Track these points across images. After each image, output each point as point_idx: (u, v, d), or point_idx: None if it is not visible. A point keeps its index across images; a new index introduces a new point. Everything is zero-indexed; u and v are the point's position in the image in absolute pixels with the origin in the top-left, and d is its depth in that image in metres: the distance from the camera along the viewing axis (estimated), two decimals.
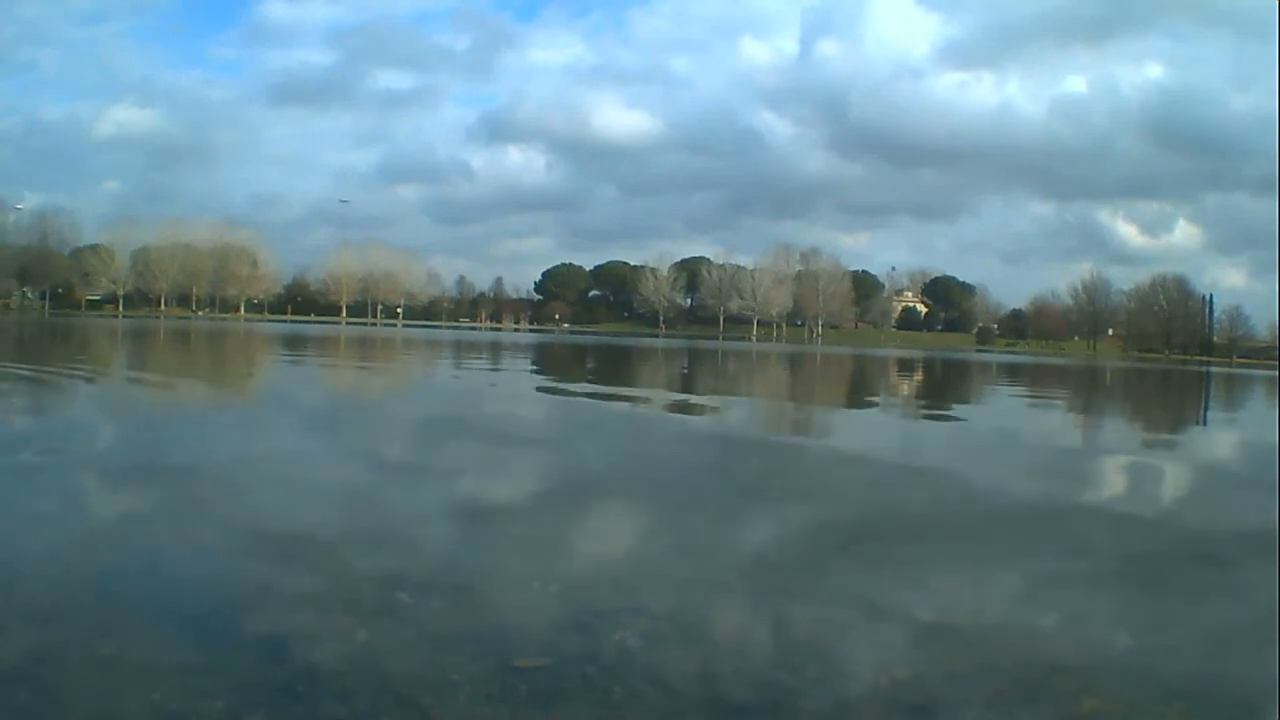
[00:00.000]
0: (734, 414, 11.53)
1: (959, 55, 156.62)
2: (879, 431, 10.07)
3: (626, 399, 13.34)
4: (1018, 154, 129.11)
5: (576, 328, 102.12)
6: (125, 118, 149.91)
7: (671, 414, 11.22)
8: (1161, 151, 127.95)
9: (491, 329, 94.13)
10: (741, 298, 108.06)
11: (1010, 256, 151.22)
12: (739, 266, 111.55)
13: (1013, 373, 30.65)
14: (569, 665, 2.49)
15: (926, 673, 2.54)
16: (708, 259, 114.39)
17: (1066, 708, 2.38)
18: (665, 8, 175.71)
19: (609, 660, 2.54)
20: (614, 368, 22.78)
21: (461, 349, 30.31)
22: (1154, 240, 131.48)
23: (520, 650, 2.57)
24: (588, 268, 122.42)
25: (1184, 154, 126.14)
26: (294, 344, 28.73)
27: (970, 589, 3.49)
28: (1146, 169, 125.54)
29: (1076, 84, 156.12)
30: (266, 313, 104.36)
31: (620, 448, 7.61)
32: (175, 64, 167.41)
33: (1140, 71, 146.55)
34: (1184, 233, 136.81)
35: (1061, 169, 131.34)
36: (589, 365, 23.24)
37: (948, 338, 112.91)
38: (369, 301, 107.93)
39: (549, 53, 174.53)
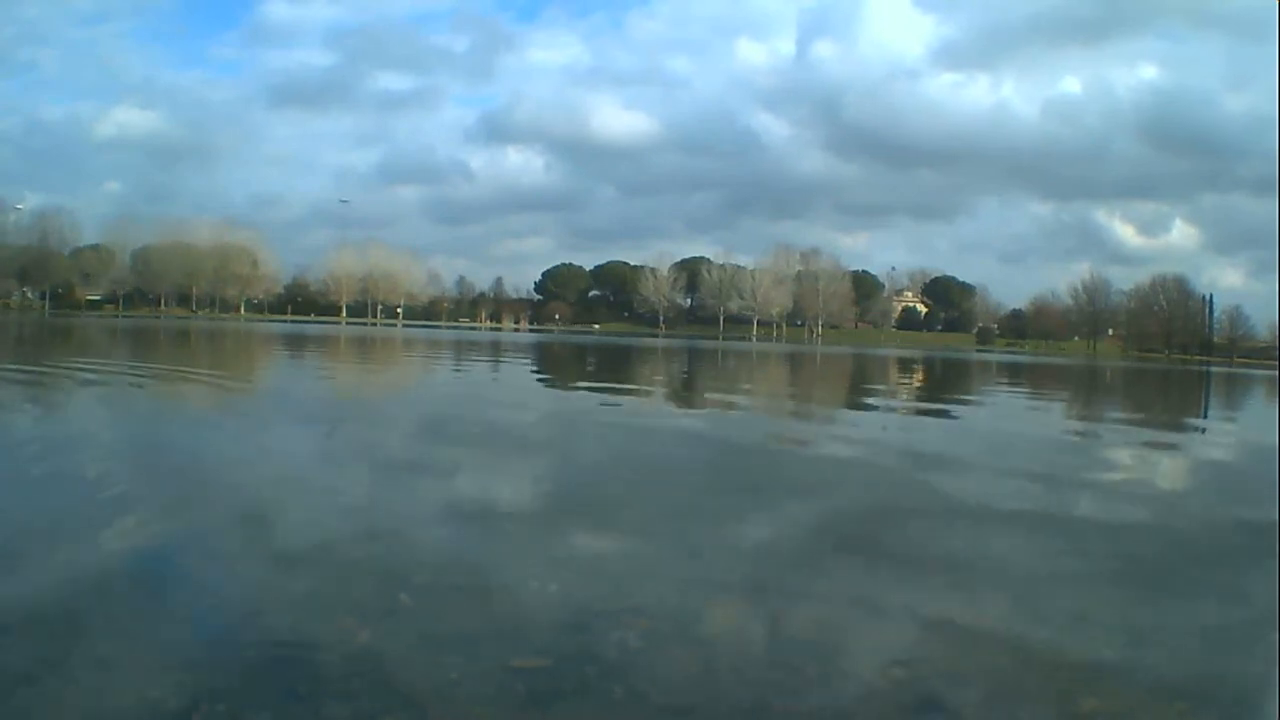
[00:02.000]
0: (746, 411, 11.54)
1: (954, 56, 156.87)
2: (891, 430, 10.06)
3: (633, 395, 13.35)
4: (1014, 154, 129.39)
5: (604, 328, 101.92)
6: (126, 118, 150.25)
7: (681, 410, 11.23)
8: (1157, 152, 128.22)
9: (491, 329, 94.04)
10: (741, 298, 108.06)
11: (1009, 257, 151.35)
12: (739, 266, 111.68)
13: (1015, 372, 30.65)
14: (568, 665, 2.48)
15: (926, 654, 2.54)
16: (708, 259, 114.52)
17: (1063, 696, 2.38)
18: (664, 9, 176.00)
19: (609, 661, 2.53)
20: (626, 368, 22.79)
21: (478, 350, 30.30)
22: (1152, 240, 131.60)
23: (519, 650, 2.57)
24: (588, 268, 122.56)
25: (1180, 154, 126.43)
26: (317, 345, 28.87)
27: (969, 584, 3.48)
28: (1143, 169, 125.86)
29: (1071, 85, 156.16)
30: (266, 313, 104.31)
31: (633, 441, 7.63)
32: (176, 64, 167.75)
33: (1135, 72, 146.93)
34: (1181, 233, 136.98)
35: (1058, 169, 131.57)
36: (592, 365, 23.25)
37: (948, 338, 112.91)
38: (369, 301, 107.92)
39: (549, 53, 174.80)
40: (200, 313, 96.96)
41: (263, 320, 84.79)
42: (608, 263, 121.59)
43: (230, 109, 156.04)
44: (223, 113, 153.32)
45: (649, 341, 56.62)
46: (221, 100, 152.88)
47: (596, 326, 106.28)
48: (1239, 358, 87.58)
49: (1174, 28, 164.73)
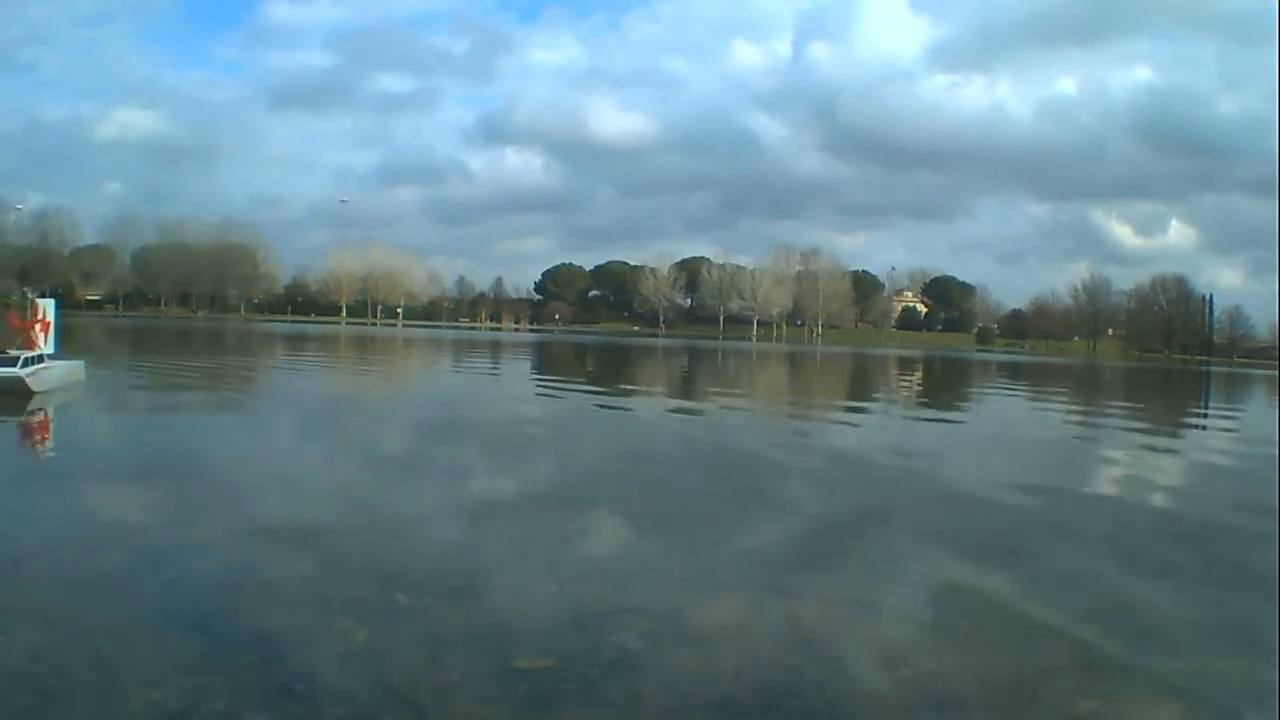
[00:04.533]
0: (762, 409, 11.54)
1: (949, 57, 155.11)
2: (903, 427, 10.07)
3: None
4: (1010, 155, 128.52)
5: (603, 328, 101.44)
6: (127, 118, 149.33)
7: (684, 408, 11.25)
8: (1153, 152, 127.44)
9: (491, 329, 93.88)
10: (741, 298, 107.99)
11: (1007, 257, 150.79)
12: (739, 266, 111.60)
13: (1027, 373, 30.65)
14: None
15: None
16: (707, 259, 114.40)
17: None
18: (663, 10, 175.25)
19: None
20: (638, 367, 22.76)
21: (493, 350, 30.28)
22: (1149, 240, 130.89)
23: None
24: (588, 268, 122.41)
25: (1175, 155, 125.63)
26: (359, 346, 28.98)
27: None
28: (1138, 170, 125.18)
29: (1067, 86, 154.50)
30: (266, 313, 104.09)
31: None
32: (177, 65, 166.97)
33: (1130, 73, 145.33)
34: (1178, 233, 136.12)
35: (1055, 170, 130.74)
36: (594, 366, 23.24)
37: (948, 338, 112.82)
38: (369, 301, 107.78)
39: (548, 54, 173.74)
40: (200, 313, 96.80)
41: (265, 320, 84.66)
42: (608, 263, 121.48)
43: (231, 110, 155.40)
44: (223, 113, 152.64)
45: (651, 341, 56.66)
46: (222, 101, 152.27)
47: (635, 328, 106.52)
48: (1239, 357, 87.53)
49: (1168, 29, 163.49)
